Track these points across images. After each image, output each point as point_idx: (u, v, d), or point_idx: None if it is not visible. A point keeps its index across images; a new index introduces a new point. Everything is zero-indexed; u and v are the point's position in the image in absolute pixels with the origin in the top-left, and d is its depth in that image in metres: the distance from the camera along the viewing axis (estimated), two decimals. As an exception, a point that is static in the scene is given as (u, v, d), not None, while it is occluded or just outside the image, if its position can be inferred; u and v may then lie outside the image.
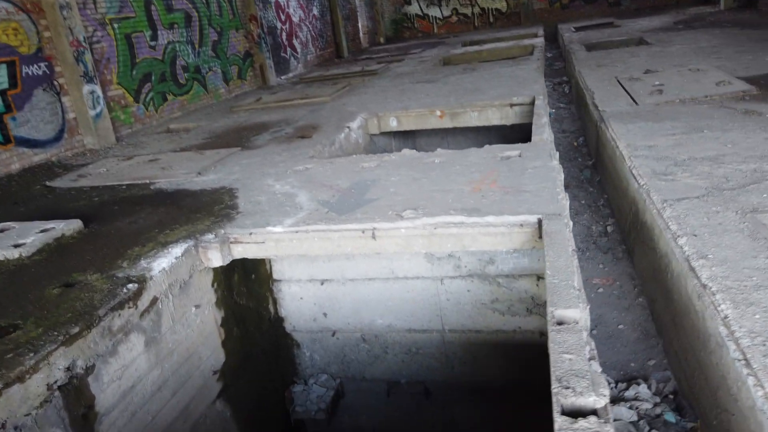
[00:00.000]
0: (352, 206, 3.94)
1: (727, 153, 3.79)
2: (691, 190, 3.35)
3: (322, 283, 4.65)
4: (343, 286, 4.63)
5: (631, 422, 2.34)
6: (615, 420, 2.37)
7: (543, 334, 4.28)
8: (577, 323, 2.25)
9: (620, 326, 3.18)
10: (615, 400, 2.54)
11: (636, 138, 4.42)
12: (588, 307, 2.52)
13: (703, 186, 3.42)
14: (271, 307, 4.74)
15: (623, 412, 2.39)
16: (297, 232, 3.73)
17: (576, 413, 1.76)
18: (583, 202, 5.16)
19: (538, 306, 4.39)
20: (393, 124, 7.33)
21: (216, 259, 3.77)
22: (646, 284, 3.48)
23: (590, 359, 1.99)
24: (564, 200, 3.59)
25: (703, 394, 2.27)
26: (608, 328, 3.19)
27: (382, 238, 3.63)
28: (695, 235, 2.76)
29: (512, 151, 4.60)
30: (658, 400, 2.49)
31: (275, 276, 4.78)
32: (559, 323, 2.26)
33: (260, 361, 4.56)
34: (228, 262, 3.83)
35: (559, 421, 1.69)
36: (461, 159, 4.64)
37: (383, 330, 4.74)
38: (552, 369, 1.95)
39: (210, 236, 3.80)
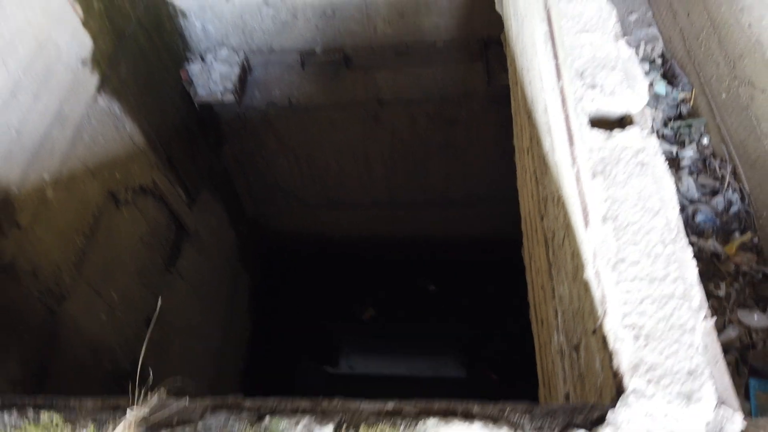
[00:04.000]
0: None
1: None
2: None
3: (200, -71, 3.45)
4: (231, -68, 3.47)
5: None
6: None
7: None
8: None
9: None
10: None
11: None
12: None
13: None
14: (137, -33, 3.58)
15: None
16: None
17: (604, 122, 1.31)
18: None
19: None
20: None
21: None
22: None
23: (619, 36, 1.45)
24: None
25: (711, 62, 1.87)
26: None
27: None
28: None
29: None
30: (646, 68, 2.10)
31: None
32: None
33: (140, 40, 3.66)
34: None
35: (588, 137, 1.24)
36: None
37: (290, -11, 3.82)
38: (564, 60, 1.40)
39: None
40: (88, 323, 3.04)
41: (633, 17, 2.37)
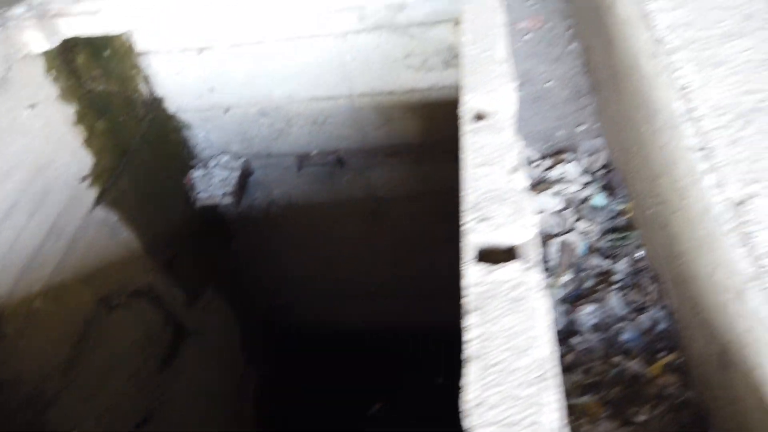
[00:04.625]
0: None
1: None
2: None
3: (200, 52, 3.79)
4: (228, 54, 3.79)
5: (555, 212, 2.04)
6: (539, 213, 2.04)
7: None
8: (499, 114, 1.72)
9: (549, 83, 2.69)
10: (539, 183, 2.19)
11: None
12: (515, 86, 1.97)
13: None
14: (143, 88, 3.91)
15: (547, 200, 2.06)
16: (138, -7, 2.77)
17: (493, 255, 1.35)
18: None
19: (456, 57, 3.79)
20: None
21: (38, 41, 2.84)
22: (582, 25, 2.89)
23: (515, 169, 1.52)
24: None
25: (640, 178, 1.91)
26: (535, 87, 2.70)
27: (252, -6, 2.75)
28: (652, -34, 2.10)
29: None
30: (587, 179, 2.16)
31: (140, 48, 3.83)
32: (479, 117, 1.73)
33: (144, 153, 3.94)
34: (57, 43, 2.91)
35: (472, 272, 1.28)
36: None
37: (283, 101, 4.10)
38: (464, 193, 1.48)
39: (20, 9, 2.79)
40: None
41: (581, 128, 2.45)
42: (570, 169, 2.18)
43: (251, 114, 4.22)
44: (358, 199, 4.71)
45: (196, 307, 4.46)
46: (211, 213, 4.65)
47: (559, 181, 2.17)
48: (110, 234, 3.50)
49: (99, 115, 3.46)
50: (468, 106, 1.75)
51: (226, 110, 4.17)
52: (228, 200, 4.31)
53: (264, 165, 4.59)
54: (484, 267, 1.29)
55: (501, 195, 1.44)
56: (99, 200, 3.41)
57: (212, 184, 4.36)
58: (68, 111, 3.20)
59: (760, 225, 1.26)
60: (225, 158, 4.47)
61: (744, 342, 1.24)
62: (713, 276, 1.38)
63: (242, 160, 4.48)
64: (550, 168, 2.24)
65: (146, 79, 3.93)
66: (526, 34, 2.98)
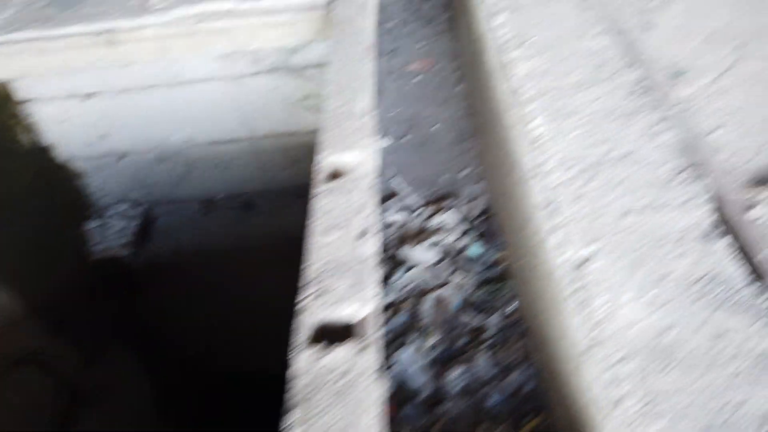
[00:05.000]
0: (78, -6, 2.77)
1: None
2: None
3: (86, 99, 3.58)
4: (117, 99, 3.61)
5: (431, 265, 1.97)
6: (410, 268, 1.97)
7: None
8: (355, 173, 1.64)
9: (435, 127, 2.66)
10: (418, 233, 2.13)
11: None
12: (381, 139, 1.91)
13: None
14: (24, 137, 3.66)
15: (421, 255, 2.00)
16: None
17: (330, 333, 1.25)
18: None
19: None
20: None
21: None
22: (465, 68, 2.89)
23: (362, 234, 1.44)
24: (366, -33, 2.70)
25: (511, 227, 1.88)
26: (422, 130, 2.66)
27: (123, 43, 2.61)
28: (515, 10, 2.11)
29: None
30: (466, 227, 2.11)
31: (21, 95, 3.59)
32: (333, 176, 1.64)
33: (30, 206, 3.67)
34: None
35: (300, 359, 1.18)
36: None
37: (182, 146, 3.93)
38: (306, 263, 1.38)
39: None
40: None
41: (464, 173, 2.42)
42: (449, 217, 2.13)
43: (148, 160, 4.02)
44: (269, 243, 4.56)
45: (96, 369, 4.15)
46: (111, 266, 4.37)
47: (438, 230, 2.11)
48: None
49: (-32, 170, 3.18)
50: (322, 164, 1.67)
51: (121, 157, 3.96)
52: (126, 252, 4.06)
53: (167, 212, 4.38)
54: (314, 352, 1.18)
55: (344, 264, 1.35)
56: (-31, 263, 3.11)
57: (109, 236, 4.10)
58: (-73, 168, 2.92)
59: (596, 290, 1.22)
60: (123, 207, 4.23)
61: (584, 419, 1.18)
62: (561, 342, 1.33)
63: (142, 207, 4.26)
64: (430, 216, 2.19)
65: (28, 129, 3.68)
66: (416, 77, 2.96)
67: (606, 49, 1.86)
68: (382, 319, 1.34)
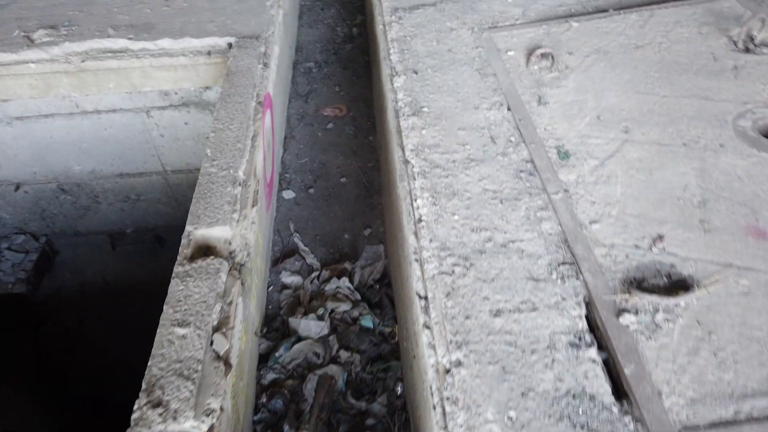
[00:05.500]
0: (-45, 21, 2.53)
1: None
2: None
3: (-25, 125, 3.30)
4: (11, 128, 3.33)
5: (320, 338, 1.86)
6: (299, 339, 1.85)
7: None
8: (225, 252, 1.52)
9: (343, 179, 2.57)
10: (312, 299, 2.01)
11: None
12: (286, 190, 1.80)
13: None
14: None
15: (311, 326, 1.88)
16: None
17: (161, 454, 1.11)
18: (337, -11, 4.14)
19: (277, 134, 3.62)
20: None
21: None
22: (377, 124, 2.82)
23: (217, 329, 1.31)
24: (275, 8, 2.59)
25: (401, 303, 1.79)
26: (329, 182, 2.56)
27: (3, 77, 2.39)
28: (416, 72, 2.05)
29: None
30: (358, 296, 2.01)
31: None
32: (201, 253, 1.51)
33: None
34: None
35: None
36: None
37: (86, 177, 3.68)
38: (149, 364, 1.23)
39: None
40: None
41: (367, 231, 2.33)
42: (344, 283, 2.03)
43: (48, 191, 3.74)
44: (184, 278, 4.33)
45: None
46: (6, 301, 4.03)
47: (333, 295, 2.01)
48: None
49: None
50: (189, 239, 1.53)
51: (17, 187, 3.67)
52: (20, 288, 3.75)
53: (72, 243, 4.09)
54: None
55: (188, 368, 1.21)
56: None
57: (1, 270, 3.78)
58: None
59: (460, 403, 1.14)
60: (20, 238, 3.92)
61: None
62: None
63: (42, 240, 3.96)
64: (327, 280, 2.08)
65: None
66: (329, 123, 2.87)
67: (500, 123, 1.81)
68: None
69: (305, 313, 1.97)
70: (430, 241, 1.47)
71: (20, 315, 4.23)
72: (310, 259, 2.21)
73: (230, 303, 1.36)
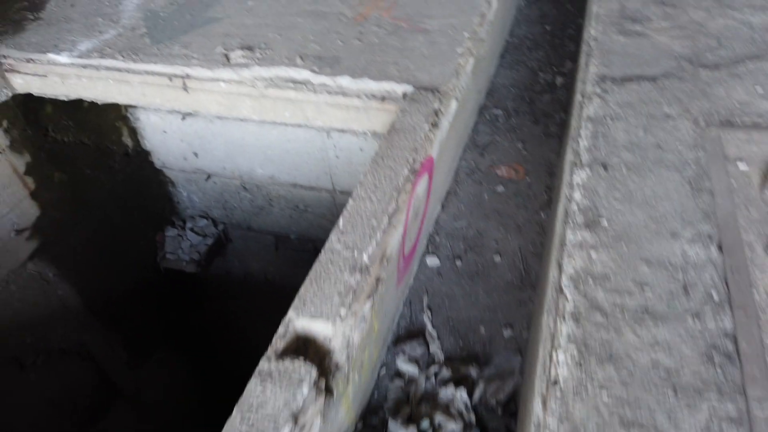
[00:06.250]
0: (182, 27, 2.75)
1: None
2: (655, 59, 2.11)
3: (183, 118, 3.62)
4: (211, 125, 3.60)
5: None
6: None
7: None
8: (322, 352, 1.33)
9: (497, 257, 2.24)
10: (421, 402, 1.75)
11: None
12: (430, 256, 1.61)
13: (679, 50, 2.16)
14: (127, 139, 3.79)
15: (410, 443, 1.63)
16: (85, 67, 2.61)
17: None
18: (548, 27, 3.75)
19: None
20: None
21: (-12, 93, 2.73)
22: (555, 194, 2.43)
23: (275, 459, 1.12)
24: (466, 56, 2.35)
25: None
26: (480, 257, 2.25)
27: (196, 91, 2.52)
28: (605, 168, 1.66)
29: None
30: (473, 418, 1.69)
31: (131, 100, 3.73)
32: (294, 349, 1.34)
33: (113, 206, 3.80)
34: (6, 98, 2.79)
35: None
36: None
37: (265, 181, 3.85)
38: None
39: (-24, 59, 2.69)
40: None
41: (507, 332, 2.00)
42: (462, 395, 1.73)
43: (233, 186, 4.00)
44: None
45: (142, 368, 4.23)
46: (178, 275, 4.44)
47: (444, 407, 1.72)
48: (43, 289, 3.33)
49: (59, 166, 3.33)
50: (285, 328, 1.38)
51: (208, 177, 3.97)
52: (191, 268, 4.08)
53: (244, 236, 4.36)
54: None
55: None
56: (35, 254, 3.25)
57: (181, 248, 4.15)
58: (19, 162, 3.08)
59: None
60: (203, 222, 4.26)
61: None
62: None
63: (220, 227, 4.26)
64: (445, 383, 1.80)
65: (133, 132, 3.80)
66: (499, 186, 2.55)
67: (702, 266, 1.36)
68: None
69: (410, 418, 1.72)
70: (560, 420, 1.11)
71: (190, 291, 4.64)
72: (434, 347, 1.95)
73: (303, 428, 1.17)
